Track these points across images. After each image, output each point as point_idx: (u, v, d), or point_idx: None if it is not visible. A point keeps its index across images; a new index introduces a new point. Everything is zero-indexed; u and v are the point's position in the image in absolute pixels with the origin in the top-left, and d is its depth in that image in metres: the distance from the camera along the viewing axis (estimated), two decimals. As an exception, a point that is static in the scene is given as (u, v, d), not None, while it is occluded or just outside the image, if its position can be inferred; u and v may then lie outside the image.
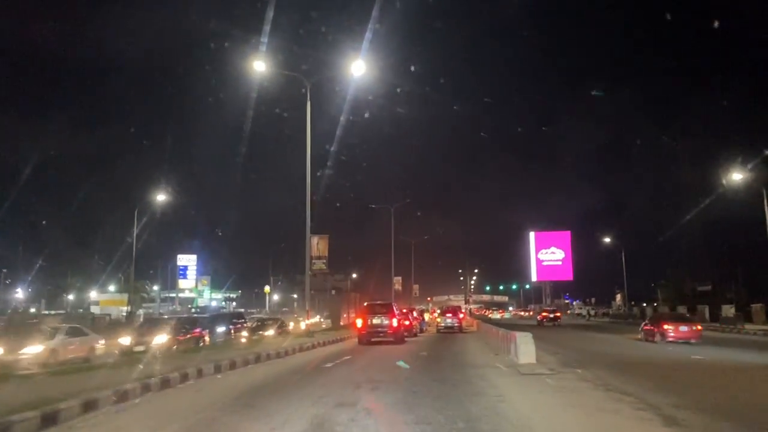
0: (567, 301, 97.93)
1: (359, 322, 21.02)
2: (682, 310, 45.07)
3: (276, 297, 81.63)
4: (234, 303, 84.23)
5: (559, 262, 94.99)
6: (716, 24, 37.29)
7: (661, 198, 71.10)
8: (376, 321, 20.70)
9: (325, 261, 22.43)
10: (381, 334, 20.72)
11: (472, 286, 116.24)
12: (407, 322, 25.54)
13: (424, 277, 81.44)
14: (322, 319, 38.44)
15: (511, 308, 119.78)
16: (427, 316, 42.32)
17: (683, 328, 20.81)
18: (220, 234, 67.99)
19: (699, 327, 21.54)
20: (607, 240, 64.70)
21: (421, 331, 31.42)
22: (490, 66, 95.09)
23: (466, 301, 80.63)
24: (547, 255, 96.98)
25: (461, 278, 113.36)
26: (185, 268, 67.31)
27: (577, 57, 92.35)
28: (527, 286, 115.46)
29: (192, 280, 68.99)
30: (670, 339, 20.37)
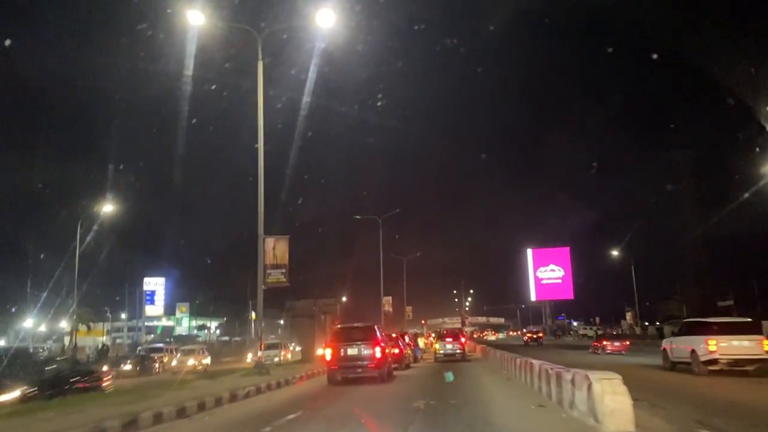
0: (566, 322, 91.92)
1: (328, 354, 15.11)
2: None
3: (263, 324, 75.36)
4: (214, 331, 77.63)
5: (559, 281, 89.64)
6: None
7: (667, 211, 66.25)
8: (351, 351, 14.86)
9: (284, 271, 16.62)
10: (359, 369, 14.89)
11: (467, 308, 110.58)
12: (396, 351, 19.68)
13: (417, 299, 76.13)
14: (296, 349, 32.44)
15: (504, 330, 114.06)
16: (421, 342, 36.11)
17: (616, 344, 28.75)
18: (208, 261, 61.82)
19: (627, 342, 29.71)
20: (611, 256, 60.15)
21: (416, 360, 25.53)
22: (481, 81, 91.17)
23: (462, 324, 74.56)
24: (546, 273, 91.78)
25: (456, 300, 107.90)
26: (152, 293, 60.80)
27: (572, 69, 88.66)
28: (523, 306, 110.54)
29: (160, 307, 62.42)
30: (608, 351, 27.96)
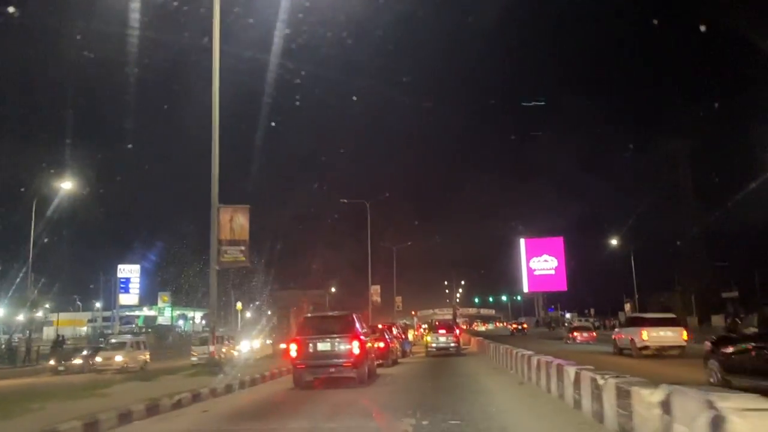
0: (559, 314, 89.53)
1: (293, 349, 12.00)
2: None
3: (248, 314, 72.36)
4: (200, 321, 74.30)
5: (552, 271, 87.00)
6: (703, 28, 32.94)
7: (667, 202, 63.93)
8: (323, 346, 11.77)
9: (243, 248, 13.41)
10: (332, 369, 11.84)
11: (458, 299, 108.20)
12: (381, 345, 16.67)
13: (408, 290, 73.61)
14: (268, 342, 29.37)
15: (493, 321, 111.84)
16: (411, 334, 33.03)
17: (585, 335, 33.40)
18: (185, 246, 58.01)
19: (594, 333, 34.74)
20: (608, 246, 58.02)
21: (404, 354, 22.57)
22: (471, 69, 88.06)
23: (454, 315, 71.92)
24: (539, 263, 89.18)
25: (447, 291, 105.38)
26: (127, 281, 57.20)
27: (568, 59, 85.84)
28: (518, 298, 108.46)
29: (135, 296, 58.91)
30: (578, 341, 31.77)
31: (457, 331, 24.29)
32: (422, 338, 29.71)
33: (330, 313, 13.34)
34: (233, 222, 13.92)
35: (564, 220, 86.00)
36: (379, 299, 49.98)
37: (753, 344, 8.70)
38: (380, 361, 16.04)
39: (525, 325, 58.99)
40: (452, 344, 23.09)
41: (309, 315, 14.24)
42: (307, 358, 11.77)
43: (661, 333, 18.11)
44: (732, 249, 50.43)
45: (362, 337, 12.20)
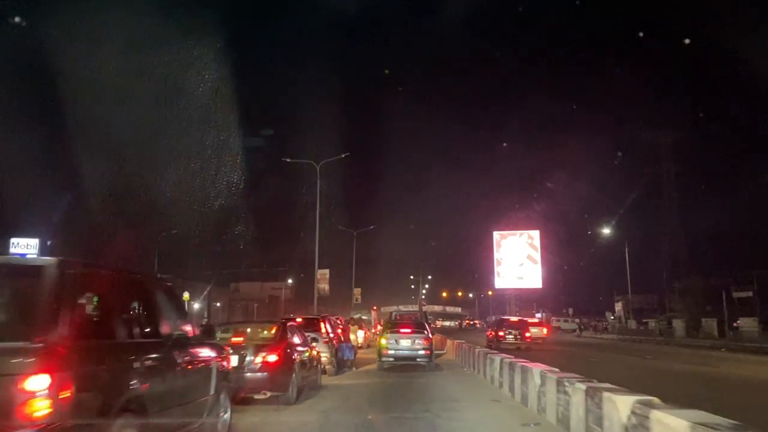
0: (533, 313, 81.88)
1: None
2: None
3: (196, 306, 62.55)
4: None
5: (526, 267, 79.81)
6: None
7: (662, 196, 57.48)
8: None
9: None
10: None
11: (424, 295, 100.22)
12: (273, 357, 7.94)
13: (369, 284, 65.90)
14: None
15: (456, 320, 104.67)
16: (359, 334, 23.37)
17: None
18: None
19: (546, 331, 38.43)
20: (595, 241, 51.40)
21: (341, 367, 13.77)
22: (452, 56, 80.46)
23: (421, 310, 63.55)
24: (512, 258, 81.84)
25: (413, 286, 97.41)
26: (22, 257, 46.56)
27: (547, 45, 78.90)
28: (482, 296, 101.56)
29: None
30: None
31: (428, 332, 15.47)
32: (374, 339, 21.03)
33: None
34: None
35: (542, 213, 78.31)
36: (327, 287, 40.68)
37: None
38: (271, 390, 7.34)
39: (477, 322, 53.30)
40: (421, 351, 14.57)
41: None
42: None
43: (534, 330, 30.31)
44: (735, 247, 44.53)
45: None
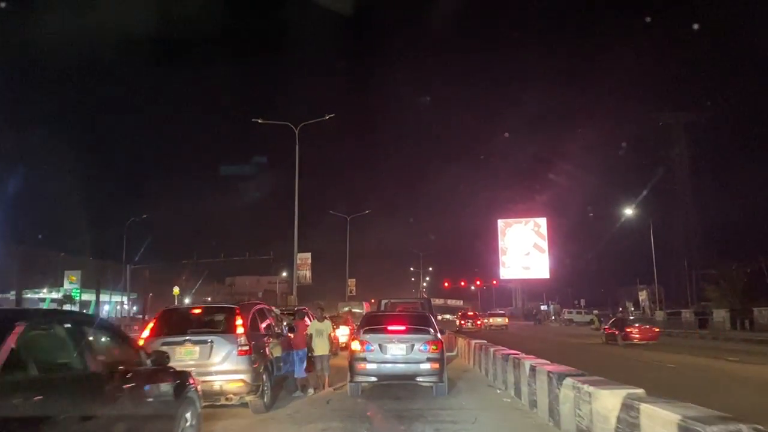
0: (540, 306, 76.74)
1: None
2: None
3: (187, 301, 58.06)
4: (131, 307, 59.10)
5: (533, 256, 74.74)
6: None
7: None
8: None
9: None
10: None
11: (425, 288, 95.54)
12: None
13: (368, 278, 61.71)
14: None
15: (456, 313, 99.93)
16: (345, 333, 17.40)
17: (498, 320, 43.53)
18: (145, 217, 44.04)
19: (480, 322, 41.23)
20: (611, 227, 47.13)
21: (291, 389, 8.48)
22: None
23: (423, 302, 58.16)
24: (518, 247, 76.90)
25: (413, 279, 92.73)
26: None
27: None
28: (485, 288, 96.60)
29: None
30: (492, 328, 40.51)
31: (435, 332, 9.83)
32: (343, 344, 15.39)
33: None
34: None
35: (549, 200, 73.16)
36: (308, 273, 35.04)
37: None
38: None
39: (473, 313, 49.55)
40: (424, 365, 8.91)
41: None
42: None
43: (498, 320, 43.64)
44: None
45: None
